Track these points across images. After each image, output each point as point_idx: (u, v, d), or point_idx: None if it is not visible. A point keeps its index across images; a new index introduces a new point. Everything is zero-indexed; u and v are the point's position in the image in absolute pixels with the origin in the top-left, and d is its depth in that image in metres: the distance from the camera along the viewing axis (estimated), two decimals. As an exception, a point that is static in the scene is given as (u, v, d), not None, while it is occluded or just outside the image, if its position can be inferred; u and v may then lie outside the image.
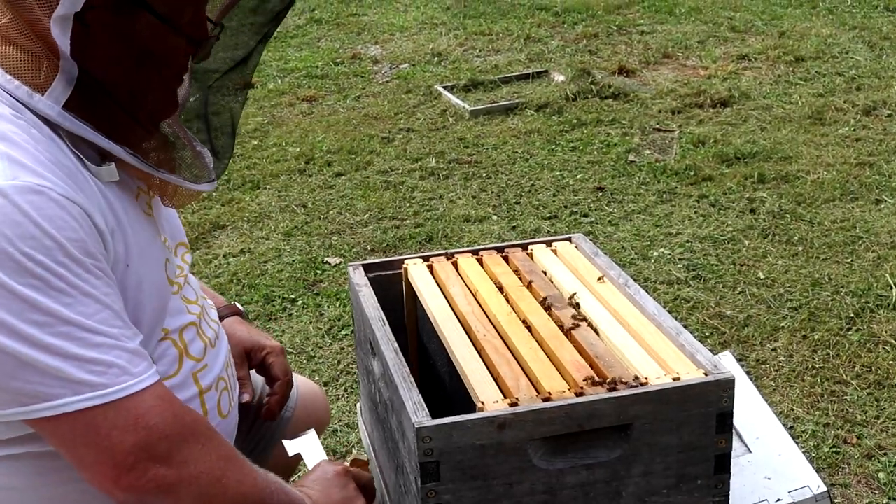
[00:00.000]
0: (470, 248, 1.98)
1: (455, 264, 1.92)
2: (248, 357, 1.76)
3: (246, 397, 1.69)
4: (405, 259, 1.94)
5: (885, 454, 2.77)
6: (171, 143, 1.43)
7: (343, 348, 3.41)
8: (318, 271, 3.99)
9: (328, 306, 3.71)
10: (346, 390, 3.18)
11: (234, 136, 1.53)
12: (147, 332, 1.33)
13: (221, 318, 1.75)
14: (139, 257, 1.32)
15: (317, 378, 3.22)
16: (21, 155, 1.18)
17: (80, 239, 1.20)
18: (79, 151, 1.26)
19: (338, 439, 2.95)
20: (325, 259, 4.09)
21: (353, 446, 2.90)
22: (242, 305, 3.98)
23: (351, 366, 3.29)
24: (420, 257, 1.95)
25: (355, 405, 2.87)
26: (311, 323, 3.61)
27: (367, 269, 1.92)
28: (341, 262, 4.04)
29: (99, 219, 1.24)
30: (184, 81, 1.39)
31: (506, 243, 2.00)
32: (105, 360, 1.20)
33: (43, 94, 1.23)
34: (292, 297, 3.81)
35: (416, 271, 1.90)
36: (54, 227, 1.17)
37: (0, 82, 1.23)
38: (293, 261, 4.08)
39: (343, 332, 3.50)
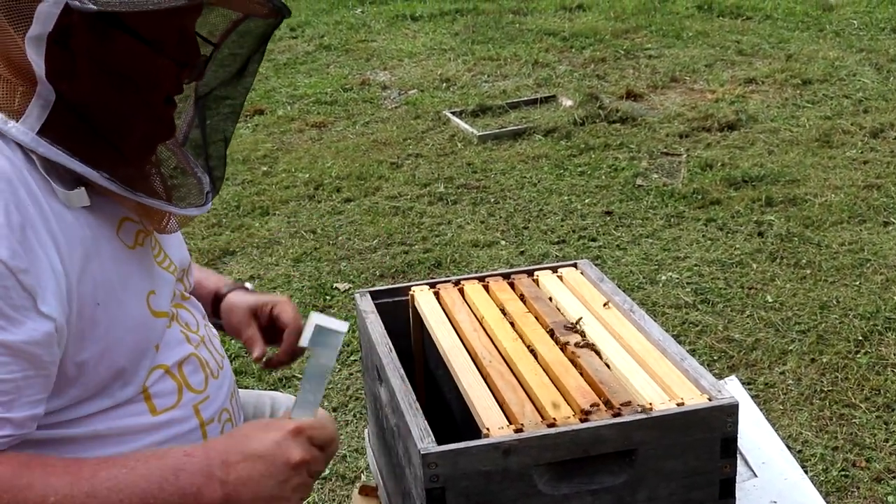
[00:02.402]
0: (476, 275, 1.99)
1: (461, 291, 1.94)
2: (256, 317, 1.72)
3: (256, 353, 1.66)
4: (412, 286, 1.95)
5: (894, 478, 2.77)
6: (162, 168, 1.40)
7: (352, 374, 3.42)
8: (328, 297, 4.01)
9: (337, 332, 3.72)
10: (354, 416, 3.20)
11: (226, 158, 1.49)
12: (129, 367, 1.32)
13: (227, 293, 1.73)
14: (110, 294, 1.28)
15: (326, 403, 3.23)
16: None
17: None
18: (51, 177, 1.23)
19: (347, 465, 2.96)
20: (335, 285, 4.11)
21: (361, 472, 2.91)
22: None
23: (360, 391, 3.30)
24: (427, 284, 1.96)
25: (364, 431, 2.88)
26: (320, 348, 3.62)
27: (374, 295, 1.93)
28: (350, 287, 4.05)
29: (44, 268, 1.19)
30: (177, 104, 1.36)
31: (512, 270, 2.02)
32: None
33: (17, 121, 1.21)
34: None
35: (422, 298, 1.91)
36: None
37: None
38: (302, 287, 4.10)
39: (352, 358, 3.52)
